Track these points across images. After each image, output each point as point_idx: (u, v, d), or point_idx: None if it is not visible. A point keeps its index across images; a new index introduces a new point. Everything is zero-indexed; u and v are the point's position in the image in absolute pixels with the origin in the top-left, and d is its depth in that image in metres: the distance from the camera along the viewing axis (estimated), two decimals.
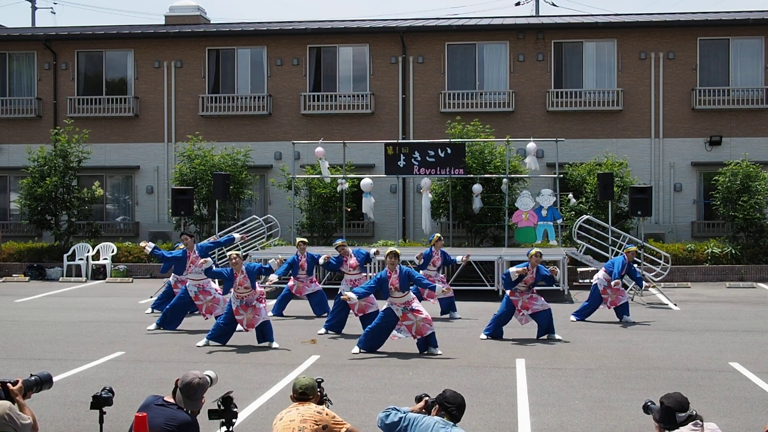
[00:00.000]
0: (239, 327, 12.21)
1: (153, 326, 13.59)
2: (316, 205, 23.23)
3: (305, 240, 15.47)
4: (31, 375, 5.06)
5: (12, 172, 26.24)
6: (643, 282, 15.46)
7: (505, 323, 12.75)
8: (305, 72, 25.80)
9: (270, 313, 14.94)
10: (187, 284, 13.76)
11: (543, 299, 12.72)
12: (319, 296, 15.10)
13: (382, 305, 11.79)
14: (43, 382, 5.04)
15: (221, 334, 12.19)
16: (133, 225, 26.01)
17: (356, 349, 11.51)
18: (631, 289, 17.61)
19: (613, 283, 14.24)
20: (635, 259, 15.42)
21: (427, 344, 11.46)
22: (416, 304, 11.46)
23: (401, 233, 24.01)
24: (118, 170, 26.37)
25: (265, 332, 12.06)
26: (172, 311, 13.68)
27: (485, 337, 12.66)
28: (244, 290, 11.99)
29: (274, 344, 11.93)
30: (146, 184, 26.16)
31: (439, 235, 15.18)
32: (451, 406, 5.19)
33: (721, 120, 24.46)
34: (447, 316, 14.80)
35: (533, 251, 12.44)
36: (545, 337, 12.62)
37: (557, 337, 12.48)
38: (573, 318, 14.51)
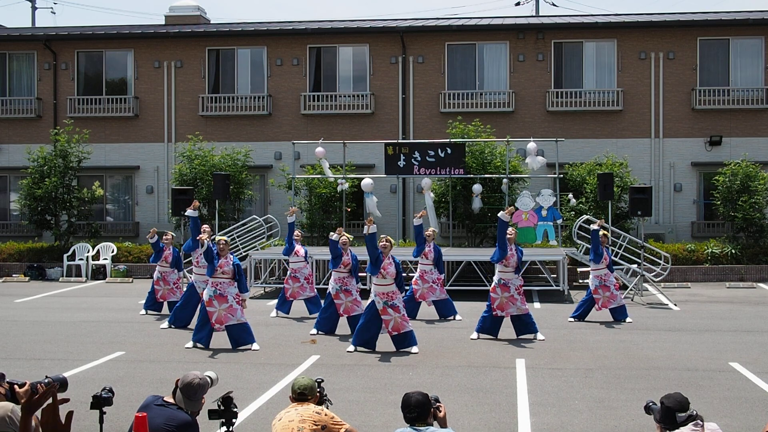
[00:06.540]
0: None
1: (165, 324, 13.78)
2: (316, 206, 23.23)
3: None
4: (46, 377, 5.04)
5: (12, 172, 26.23)
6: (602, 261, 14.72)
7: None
8: (305, 72, 25.80)
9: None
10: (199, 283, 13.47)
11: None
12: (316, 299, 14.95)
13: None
14: (58, 385, 5.01)
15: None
16: (133, 225, 26.00)
17: (351, 348, 11.55)
18: (630, 290, 17.62)
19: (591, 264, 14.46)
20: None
21: (404, 342, 11.51)
22: (398, 301, 11.49)
23: (401, 233, 24.01)
24: (118, 170, 26.37)
25: (240, 336, 11.68)
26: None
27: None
28: (222, 275, 11.67)
29: (255, 346, 11.66)
30: (146, 184, 26.15)
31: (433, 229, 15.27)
32: (407, 414, 4.91)
33: (721, 120, 24.46)
34: (451, 318, 14.72)
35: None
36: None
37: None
38: (570, 318, 14.51)
